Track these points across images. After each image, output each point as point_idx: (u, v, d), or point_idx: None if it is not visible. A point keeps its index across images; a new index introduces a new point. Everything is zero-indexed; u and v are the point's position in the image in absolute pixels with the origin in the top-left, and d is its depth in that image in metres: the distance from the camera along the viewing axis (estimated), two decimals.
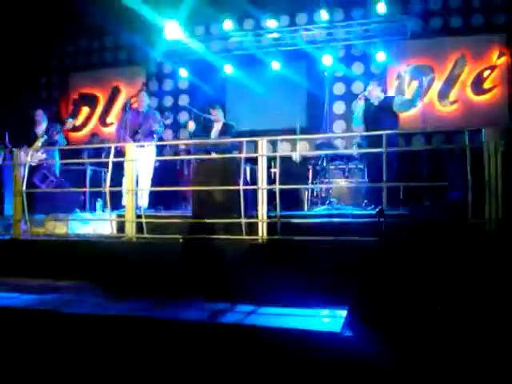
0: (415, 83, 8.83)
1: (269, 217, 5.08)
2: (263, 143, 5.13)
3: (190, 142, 7.83)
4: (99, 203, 7.38)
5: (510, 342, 2.91)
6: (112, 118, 11.10)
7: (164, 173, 7.68)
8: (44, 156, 7.10)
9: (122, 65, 11.07)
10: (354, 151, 7.19)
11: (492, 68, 8.75)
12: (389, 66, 9.22)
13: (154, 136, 7.22)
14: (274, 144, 7.45)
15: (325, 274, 4.23)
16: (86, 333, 3.60)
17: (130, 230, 5.46)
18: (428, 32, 9.08)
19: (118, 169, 5.89)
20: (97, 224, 6.04)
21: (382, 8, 8.68)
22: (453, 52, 8.94)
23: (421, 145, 8.75)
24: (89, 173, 7.62)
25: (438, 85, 9.00)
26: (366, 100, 6.58)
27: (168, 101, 10.75)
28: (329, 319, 3.54)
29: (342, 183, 6.97)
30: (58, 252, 5.28)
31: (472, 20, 8.92)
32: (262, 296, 4.09)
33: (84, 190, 7.07)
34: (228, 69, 9.89)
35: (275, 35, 9.66)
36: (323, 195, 6.92)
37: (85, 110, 11.35)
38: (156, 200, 7.52)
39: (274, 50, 9.73)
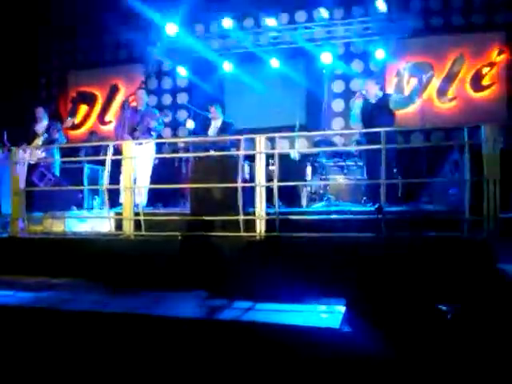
0: (414, 80, 8.84)
1: (267, 214, 5.07)
2: (261, 140, 5.12)
3: (189, 139, 7.82)
4: (96, 201, 7.36)
5: (507, 339, 2.90)
6: (110, 116, 11.09)
7: (162, 170, 7.66)
8: (43, 154, 7.10)
9: (120, 63, 11.06)
10: (353, 148, 7.17)
11: (491, 65, 8.74)
12: (388, 63, 9.21)
13: (153, 134, 7.21)
14: (272, 141, 7.43)
15: (323, 270, 4.23)
16: (84, 330, 3.59)
17: (128, 228, 5.45)
18: (428, 30, 9.07)
19: (117, 167, 5.88)
20: (95, 222, 6.03)
21: (381, 6, 8.66)
22: (453, 50, 8.94)
23: (420, 142, 8.74)
24: (87, 171, 7.60)
25: (436, 82, 8.99)
26: (364, 98, 6.58)
27: (167, 99, 10.74)
28: (327, 315, 3.53)
29: (340, 180, 6.96)
30: (56, 250, 5.28)
31: (472, 18, 8.91)
32: (260, 292, 4.08)
33: (82, 188, 7.05)
34: (227, 67, 9.87)
35: (274, 33, 9.64)
36: (321, 192, 6.91)
37: (83, 108, 11.34)
38: (154, 197, 7.51)
39: (273, 48, 9.71)
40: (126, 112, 7.23)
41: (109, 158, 5.65)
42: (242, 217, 5.00)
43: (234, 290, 4.21)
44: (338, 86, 9.57)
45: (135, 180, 5.80)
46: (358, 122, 6.59)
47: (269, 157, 6.21)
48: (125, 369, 3.27)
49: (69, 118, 7.80)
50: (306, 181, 7.20)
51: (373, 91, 6.49)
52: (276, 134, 5.81)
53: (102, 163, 5.92)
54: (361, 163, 6.87)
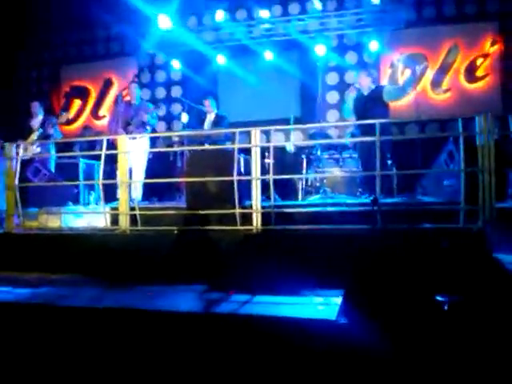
0: (408, 72, 8.84)
1: (263, 207, 5.07)
2: (257, 134, 5.11)
3: (183, 133, 7.80)
4: (92, 196, 7.34)
5: (504, 328, 2.92)
6: (104, 110, 11.03)
7: (157, 164, 7.65)
8: (39, 149, 7.05)
9: (113, 57, 10.99)
10: (347, 141, 7.18)
11: (485, 56, 8.74)
12: (382, 55, 9.19)
13: (148, 128, 7.19)
14: (267, 134, 7.42)
15: (319, 262, 4.24)
16: (81, 326, 3.59)
17: (124, 223, 5.45)
18: (421, 21, 9.05)
19: (113, 162, 5.86)
20: (91, 217, 6.01)
21: None
22: (446, 40, 8.93)
23: (414, 133, 8.75)
24: (82, 166, 7.57)
25: (431, 73, 8.99)
26: (357, 91, 6.59)
27: (160, 92, 10.69)
28: (323, 307, 3.55)
29: (335, 172, 6.97)
30: (52, 245, 5.26)
31: (465, 8, 8.89)
32: (257, 285, 4.09)
33: (77, 183, 7.02)
34: (221, 59, 9.83)
35: (268, 25, 9.59)
36: (317, 185, 6.92)
37: (76, 103, 11.27)
38: (150, 192, 7.50)
39: (266, 41, 9.65)
40: (119, 106, 7.21)
41: (103, 152, 5.62)
42: (238, 210, 5.00)
43: (231, 283, 4.22)
44: (332, 78, 9.55)
45: (131, 174, 5.79)
46: (351, 115, 6.61)
47: (264, 150, 6.21)
48: (122, 364, 3.28)
49: (63, 113, 7.75)
50: (301, 173, 7.21)
51: (366, 83, 6.50)
52: (271, 127, 5.81)
53: (98, 158, 5.89)
54: (356, 155, 6.88)
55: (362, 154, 6.39)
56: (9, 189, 5.85)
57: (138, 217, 5.42)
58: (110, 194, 5.97)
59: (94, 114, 11.16)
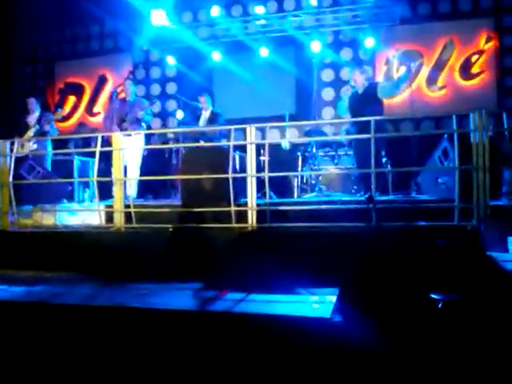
0: (404, 68, 8.84)
1: (258, 205, 5.07)
2: (252, 131, 5.10)
3: (179, 130, 7.78)
4: (87, 193, 7.32)
5: (498, 326, 2.93)
6: (99, 107, 10.99)
7: (152, 162, 7.63)
8: (35, 146, 7.01)
9: (108, 53, 10.94)
10: (342, 138, 7.18)
11: (480, 53, 8.75)
12: (377, 51, 9.19)
13: (143, 124, 7.17)
14: (262, 131, 7.41)
15: (314, 260, 4.24)
16: (76, 324, 3.58)
17: (119, 220, 5.43)
18: (416, 17, 9.04)
19: (108, 159, 5.83)
20: (85, 214, 6.00)
21: None
22: (441, 37, 8.93)
23: (409, 130, 8.76)
24: (77, 163, 7.54)
25: (426, 70, 8.99)
26: (352, 88, 6.60)
27: (155, 89, 10.65)
28: (318, 305, 3.55)
29: (331, 170, 6.97)
30: (46, 243, 5.24)
31: (460, 5, 8.89)
32: (252, 283, 4.09)
33: (71, 180, 7.00)
34: (216, 56, 9.80)
35: (263, 21, 9.57)
36: (313, 182, 6.92)
37: (71, 100, 11.22)
38: (145, 189, 7.49)
39: (262, 37, 9.64)
40: (113, 103, 7.19)
41: (98, 149, 5.60)
42: (233, 208, 5.00)
43: (226, 281, 4.22)
44: (328, 75, 9.53)
45: (126, 172, 5.77)
46: (346, 112, 6.62)
47: (259, 147, 6.21)
48: (117, 362, 3.28)
49: (59, 110, 7.70)
50: (297, 171, 7.21)
51: (360, 81, 6.51)
52: (267, 124, 5.80)
53: (93, 155, 5.87)
54: (351, 152, 6.88)
55: (357, 152, 6.40)
56: (3, 186, 5.82)
57: (132, 214, 5.41)
58: (105, 192, 5.95)
59: (89, 110, 11.12)
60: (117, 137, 5.68)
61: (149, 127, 7.64)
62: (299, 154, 7.35)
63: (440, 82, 8.94)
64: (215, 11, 9.50)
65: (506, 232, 4.15)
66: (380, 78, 8.97)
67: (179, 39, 9.74)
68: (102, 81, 10.96)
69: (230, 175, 5.05)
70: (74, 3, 10.02)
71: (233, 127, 5.42)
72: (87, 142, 8.45)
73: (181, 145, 7.14)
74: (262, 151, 6.52)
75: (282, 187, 7.17)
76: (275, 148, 7.53)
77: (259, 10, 9.38)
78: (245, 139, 5.19)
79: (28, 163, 6.64)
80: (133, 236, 5.23)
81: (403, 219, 4.57)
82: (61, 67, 11.32)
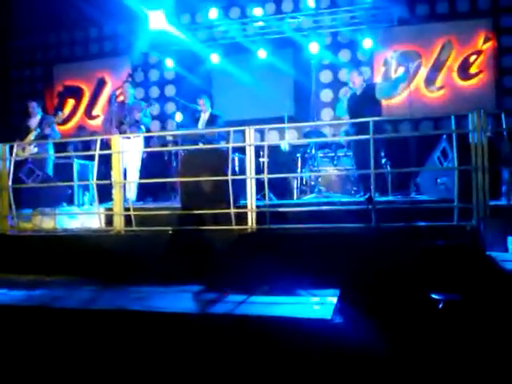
0: (402, 69, 8.85)
1: (258, 206, 5.07)
2: (251, 132, 5.10)
3: (178, 132, 7.78)
4: (86, 197, 7.32)
5: (498, 326, 2.93)
6: (98, 110, 10.99)
7: (152, 164, 7.64)
8: (36, 150, 7.00)
9: (106, 56, 10.93)
10: (341, 139, 7.19)
11: (478, 53, 8.76)
12: (375, 52, 9.19)
13: (142, 127, 7.17)
14: (262, 133, 7.41)
15: (315, 262, 4.24)
16: (77, 328, 3.58)
17: (119, 223, 5.43)
18: (414, 18, 9.04)
19: (108, 162, 5.84)
20: (85, 218, 5.99)
21: None
22: (439, 37, 8.94)
23: (408, 131, 8.77)
24: (76, 166, 7.54)
25: (424, 71, 9.00)
26: (350, 89, 6.62)
27: (154, 91, 10.65)
28: (319, 306, 3.55)
29: (330, 171, 6.97)
30: (46, 247, 5.25)
31: (458, 5, 8.90)
32: (253, 285, 4.09)
33: (71, 183, 6.99)
34: (214, 58, 9.80)
35: (261, 23, 9.58)
36: (312, 183, 6.92)
37: (70, 103, 11.21)
38: (144, 192, 7.48)
39: (260, 39, 9.65)
40: (112, 106, 7.19)
41: (97, 152, 5.60)
42: (233, 210, 5.00)
43: (227, 283, 4.22)
44: (326, 76, 9.54)
45: (125, 175, 5.77)
46: (345, 114, 6.63)
47: (259, 149, 6.22)
48: (118, 365, 3.27)
49: (59, 113, 7.69)
50: (296, 172, 7.21)
51: (358, 82, 6.53)
52: (265, 126, 5.80)
53: (92, 158, 5.87)
54: (350, 153, 6.88)
55: (356, 153, 6.40)
56: (2, 190, 5.83)
57: (132, 217, 5.41)
58: (105, 195, 5.95)
59: (88, 113, 11.12)
60: (116, 140, 5.68)
61: (148, 130, 7.63)
62: (298, 155, 7.35)
63: (438, 82, 8.94)
64: (213, 13, 9.51)
65: (505, 232, 4.16)
66: (378, 79, 8.98)
67: (178, 42, 9.74)
68: (101, 84, 10.96)
69: (230, 177, 5.05)
70: (72, 6, 10.01)
71: (232, 129, 5.42)
72: (87, 146, 8.46)
73: (180, 147, 7.14)
74: (261, 153, 6.53)
75: (281, 189, 7.18)
76: (274, 150, 7.53)
77: (257, 11, 9.39)
78: (244, 141, 5.19)
79: (27, 167, 6.65)
80: (133, 239, 5.22)
81: (403, 220, 4.57)
82: (59, 70, 11.32)
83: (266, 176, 5.12)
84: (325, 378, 2.90)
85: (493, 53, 8.71)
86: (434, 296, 3.33)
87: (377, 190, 4.96)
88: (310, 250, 4.32)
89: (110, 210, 5.61)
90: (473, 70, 8.78)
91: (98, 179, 5.61)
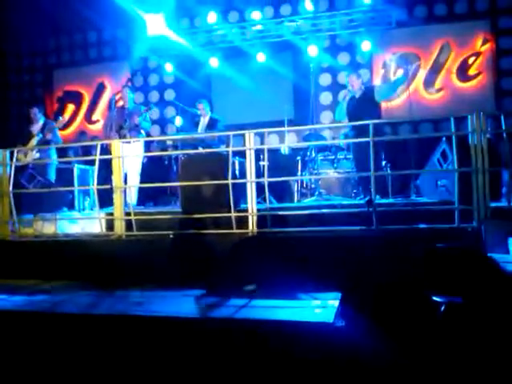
0: (401, 71, 8.88)
1: (258, 210, 5.07)
2: (250, 136, 5.11)
3: (177, 137, 7.78)
4: (87, 201, 7.32)
5: (501, 329, 2.93)
6: (98, 114, 11.00)
7: (152, 169, 7.64)
8: (37, 155, 7.00)
9: (106, 60, 10.94)
10: (341, 142, 7.20)
11: (477, 55, 8.77)
12: (374, 55, 9.21)
13: (142, 132, 7.17)
14: (261, 136, 7.42)
15: (316, 265, 4.24)
16: (78, 333, 3.58)
17: (120, 228, 5.43)
18: (413, 20, 9.06)
19: (108, 167, 5.84)
20: (86, 223, 6.00)
21: None
22: (438, 39, 8.95)
23: (408, 133, 8.78)
24: (77, 171, 7.54)
25: (423, 73, 9.01)
26: (349, 92, 6.64)
27: (154, 96, 10.66)
28: (321, 310, 3.55)
29: (330, 174, 6.97)
30: (47, 252, 5.24)
31: (456, 7, 8.92)
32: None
33: (71, 188, 7.00)
34: (213, 62, 9.82)
35: (260, 27, 9.60)
36: (313, 186, 6.92)
37: (70, 108, 11.22)
38: (145, 196, 7.48)
39: (259, 42, 9.67)
40: (112, 112, 7.20)
41: (97, 157, 5.61)
42: (233, 214, 5.00)
43: (228, 287, 4.22)
44: (325, 79, 9.55)
45: (126, 179, 5.78)
46: (344, 117, 6.64)
47: (259, 152, 6.22)
48: (120, 371, 3.27)
49: (60, 118, 7.69)
50: (296, 175, 7.22)
51: (357, 85, 6.55)
52: (265, 129, 5.81)
53: (93, 163, 5.88)
54: (350, 156, 6.89)
55: (356, 155, 6.41)
56: (3, 195, 5.83)
57: (133, 222, 5.41)
58: (106, 200, 5.95)
59: (88, 118, 11.13)
60: (116, 144, 5.69)
61: (148, 134, 7.64)
62: (298, 158, 7.35)
63: (437, 84, 8.96)
64: (212, 17, 9.54)
65: (506, 233, 4.16)
66: (377, 82, 9.00)
67: (177, 46, 9.77)
68: (101, 88, 10.97)
69: (230, 181, 5.06)
70: (71, 11, 10.04)
71: (231, 133, 5.43)
72: (87, 150, 8.46)
73: (180, 152, 7.14)
74: (261, 156, 6.53)
75: (281, 192, 7.18)
76: (274, 153, 7.54)
77: (256, 15, 9.42)
78: (244, 145, 5.20)
79: (28, 172, 6.65)
80: (134, 243, 5.23)
81: (403, 222, 4.57)
82: (59, 75, 11.33)
83: (266, 179, 5.12)
84: (327, 381, 2.90)
85: (491, 54, 8.73)
86: (435, 298, 3.32)
87: (377, 193, 4.95)
88: (311, 254, 4.32)
89: (111, 214, 5.62)
90: (472, 72, 8.79)
91: (98, 184, 5.61)
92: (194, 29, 9.99)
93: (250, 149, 5.09)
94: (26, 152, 6.96)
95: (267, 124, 7.03)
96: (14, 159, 5.97)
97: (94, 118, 11.07)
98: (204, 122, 7.61)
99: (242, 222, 5.05)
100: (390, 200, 6.08)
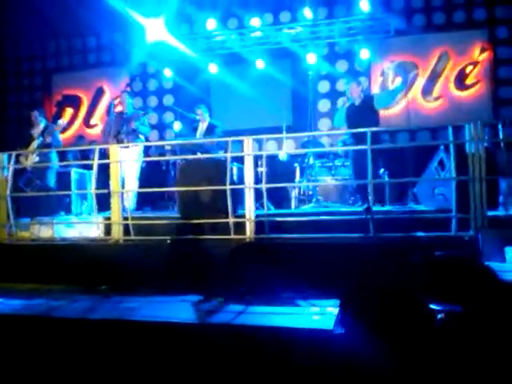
0: (399, 80, 8.92)
1: (256, 216, 5.08)
2: (249, 142, 5.13)
3: (176, 142, 7.79)
4: (84, 206, 7.30)
5: (499, 338, 2.94)
6: (96, 119, 11.00)
7: (150, 174, 7.63)
8: (37, 159, 6.97)
9: (105, 65, 10.96)
10: (339, 149, 7.22)
11: (474, 64, 8.83)
12: (373, 63, 9.26)
13: (141, 137, 7.17)
14: (260, 142, 7.44)
15: (314, 271, 4.25)
16: (74, 338, 3.57)
17: (117, 233, 5.43)
18: (411, 29, 9.12)
19: (106, 171, 5.83)
20: (83, 227, 5.98)
21: (365, 5, 8.71)
22: (436, 48, 9.01)
23: (406, 141, 8.81)
24: (74, 175, 7.53)
25: (421, 81, 9.06)
26: (348, 100, 6.67)
27: (152, 101, 10.67)
28: (319, 317, 3.55)
29: (328, 181, 6.99)
30: (44, 256, 5.24)
31: (454, 16, 8.98)
32: (251, 295, 4.09)
33: (69, 192, 6.98)
34: (212, 68, 9.85)
35: (259, 34, 9.64)
36: (310, 193, 6.93)
37: (68, 112, 11.22)
38: (143, 201, 7.47)
39: (258, 49, 9.70)
40: (110, 117, 7.21)
41: (95, 162, 5.61)
42: (231, 219, 5.01)
43: (225, 293, 4.22)
44: (324, 87, 9.59)
45: (123, 184, 5.77)
46: (342, 124, 6.67)
47: (257, 158, 6.23)
48: (116, 376, 3.26)
49: (59, 122, 7.68)
50: (294, 182, 7.23)
51: (356, 93, 6.58)
52: (264, 136, 5.83)
53: (90, 167, 5.88)
54: (348, 163, 6.91)
55: (354, 163, 6.42)
56: (0, 199, 5.82)
57: (130, 226, 5.40)
58: (103, 204, 5.95)
59: (86, 122, 11.13)
60: (114, 149, 5.69)
61: (147, 139, 7.64)
62: (296, 165, 7.37)
63: (435, 92, 9.00)
64: (212, 24, 9.57)
65: (503, 242, 4.17)
66: (376, 90, 9.04)
67: (176, 52, 9.79)
68: (100, 93, 10.98)
69: (228, 187, 5.07)
70: (70, 15, 10.06)
71: (230, 139, 5.44)
72: (85, 155, 8.45)
73: (178, 157, 7.15)
74: (259, 162, 6.54)
75: (279, 198, 7.18)
76: (272, 159, 7.55)
77: (255, 22, 9.45)
78: (242, 151, 5.21)
79: (27, 176, 6.63)
80: (131, 248, 5.22)
81: (401, 230, 4.58)
82: (58, 79, 11.34)
83: (264, 186, 5.13)
84: None
85: (489, 63, 8.78)
86: (432, 306, 3.33)
87: (375, 201, 4.97)
88: (309, 260, 4.33)
89: (109, 219, 5.61)
90: (469, 81, 8.85)
91: (96, 188, 5.61)
92: (194, 35, 10.02)
93: (248, 155, 5.11)
94: (27, 155, 6.94)
95: (266, 130, 7.04)
96: (12, 162, 5.96)
97: (92, 122, 11.07)
98: (203, 127, 7.62)
99: (240, 227, 5.05)
100: (388, 208, 6.09)
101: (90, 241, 5.60)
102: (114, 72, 10.77)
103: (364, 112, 6.32)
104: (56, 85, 11.35)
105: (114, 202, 5.52)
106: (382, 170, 6.39)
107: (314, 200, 6.71)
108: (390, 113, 8.61)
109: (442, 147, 5.59)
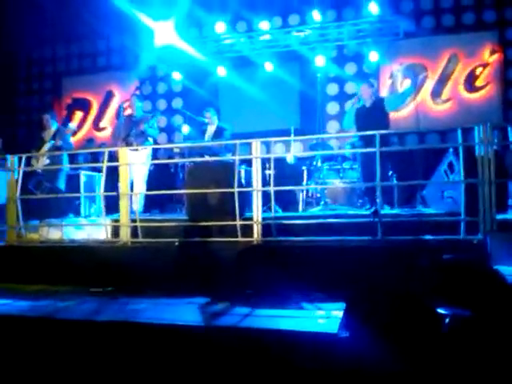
0: (408, 82, 8.88)
1: (264, 218, 5.07)
2: (257, 145, 5.12)
3: (184, 145, 7.82)
4: (93, 208, 7.35)
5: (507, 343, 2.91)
6: (106, 122, 11.08)
7: (158, 176, 7.67)
8: (48, 161, 7.02)
9: (114, 69, 11.05)
10: (348, 152, 7.19)
11: (484, 65, 8.77)
12: (381, 65, 9.23)
13: (150, 139, 7.20)
14: (268, 145, 7.44)
15: (321, 274, 4.23)
16: (82, 339, 3.58)
17: (125, 235, 5.45)
18: (420, 31, 9.08)
19: (115, 174, 5.87)
20: (92, 229, 6.01)
21: (374, 8, 8.68)
22: (445, 50, 8.96)
23: (415, 144, 8.76)
24: (84, 178, 7.57)
25: (430, 83, 9.01)
26: (359, 100, 6.63)
27: (162, 104, 10.73)
28: (325, 320, 3.54)
29: (336, 183, 6.97)
30: (53, 258, 5.26)
31: (464, 18, 8.94)
32: (258, 298, 4.08)
33: (78, 195, 7.03)
34: (221, 71, 9.88)
35: (268, 37, 9.66)
36: (318, 196, 6.92)
37: (78, 115, 11.31)
38: (151, 204, 7.51)
39: (266, 52, 9.72)
40: (119, 121, 7.25)
41: (104, 164, 5.65)
42: (238, 222, 5.01)
43: (232, 295, 4.21)
44: (332, 89, 9.58)
45: (132, 186, 5.79)
46: (351, 126, 6.64)
47: (265, 161, 6.23)
48: (122, 378, 3.27)
49: (69, 125, 7.74)
50: (302, 185, 7.22)
51: (367, 95, 6.54)
52: (272, 138, 5.83)
53: (99, 170, 5.92)
54: (356, 166, 6.88)
55: (362, 165, 6.40)
56: (10, 201, 5.87)
57: (139, 229, 5.42)
58: (112, 206, 5.98)
59: (96, 125, 11.21)
60: (123, 152, 5.72)
61: (155, 142, 7.67)
62: (304, 167, 7.36)
63: (445, 94, 8.95)
64: (220, 27, 9.59)
65: None
66: (384, 92, 9.00)
67: (185, 55, 9.82)
68: (109, 96, 11.06)
69: (236, 189, 5.07)
70: (80, 19, 10.15)
71: (238, 142, 5.45)
72: (94, 157, 8.51)
73: (186, 160, 7.17)
74: (267, 165, 6.54)
75: (287, 201, 7.18)
76: (280, 162, 7.54)
77: (264, 25, 9.46)
78: (250, 153, 5.21)
79: (37, 178, 6.69)
80: (139, 250, 5.24)
81: (409, 233, 4.55)
82: (68, 83, 11.44)
83: (272, 188, 5.13)
84: None
85: (499, 65, 8.72)
86: (440, 310, 3.30)
87: (383, 203, 4.94)
88: (316, 263, 4.31)
89: (117, 221, 5.63)
90: (479, 83, 8.78)
91: (105, 191, 5.64)
92: (203, 38, 10.06)
93: (256, 157, 5.10)
94: (38, 158, 7.00)
95: (274, 133, 7.03)
96: (23, 165, 6.01)
97: (101, 125, 11.15)
98: (211, 130, 7.63)
99: (247, 230, 5.05)
100: (396, 210, 6.06)
101: (99, 243, 5.63)
102: (123, 75, 10.83)
103: (374, 114, 6.29)
104: (66, 88, 11.45)
105: (123, 205, 5.54)
106: (390, 173, 6.36)
107: (322, 203, 6.70)
108: (399, 115, 8.58)
109: (451, 150, 5.55)
